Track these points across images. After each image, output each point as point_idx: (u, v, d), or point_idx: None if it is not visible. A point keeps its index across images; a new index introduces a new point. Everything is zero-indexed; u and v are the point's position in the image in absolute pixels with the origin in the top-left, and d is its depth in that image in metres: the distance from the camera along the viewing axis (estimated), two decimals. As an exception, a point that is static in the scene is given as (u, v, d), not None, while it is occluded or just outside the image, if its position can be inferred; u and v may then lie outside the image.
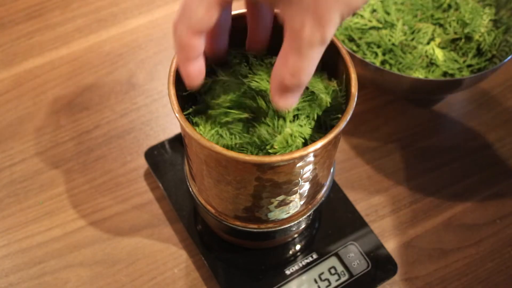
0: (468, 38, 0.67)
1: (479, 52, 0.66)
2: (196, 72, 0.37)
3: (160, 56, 0.74)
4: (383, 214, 0.62)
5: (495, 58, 0.64)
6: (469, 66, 0.65)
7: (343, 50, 0.43)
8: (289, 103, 0.36)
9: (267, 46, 0.44)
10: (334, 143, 0.43)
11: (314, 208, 0.51)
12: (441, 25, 0.67)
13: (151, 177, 0.63)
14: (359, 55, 0.63)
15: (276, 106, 0.36)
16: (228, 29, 0.41)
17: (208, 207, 0.50)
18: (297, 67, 0.34)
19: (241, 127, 0.42)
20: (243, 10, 0.43)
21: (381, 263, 0.56)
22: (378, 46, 0.65)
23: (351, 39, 0.67)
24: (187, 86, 0.39)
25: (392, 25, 0.66)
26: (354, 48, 0.66)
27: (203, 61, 0.37)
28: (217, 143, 0.41)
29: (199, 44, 0.35)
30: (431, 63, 0.65)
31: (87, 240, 0.59)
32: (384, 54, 0.65)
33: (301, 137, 0.41)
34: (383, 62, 0.65)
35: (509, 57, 0.60)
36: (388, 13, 0.67)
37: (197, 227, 0.58)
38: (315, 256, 0.57)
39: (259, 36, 0.43)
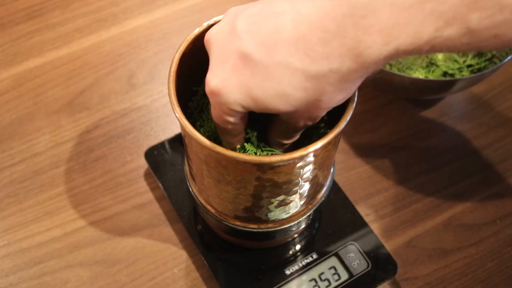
0: None
1: (479, 52, 0.66)
2: (237, 143, 0.43)
3: (160, 56, 0.74)
4: (383, 214, 0.62)
5: (495, 58, 0.64)
6: (469, 66, 0.65)
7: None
8: (289, 146, 0.44)
9: None
10: (334, 143, 0.43)
11: (314, 208, 0.51)
12: None
13: (151, 177, 0.63)
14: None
15: (276, 151, 0.45)
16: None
17: (208, 207, 0.50)
18: (288, 137, 0.42)
19: None
20: None
21: (381, 263, 0.56)
22: None
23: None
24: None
25: None
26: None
27: (242, 136, 0.43)
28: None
29: (237, 141, 0.42)
30: (431, 63, 0.65)
31: (87, 240, 0.59)
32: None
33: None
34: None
35: (509, 57, 0.60)
36: None
37: (197, 227, 0.58)
38: (315, 256, 0.57)
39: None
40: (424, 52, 0.32)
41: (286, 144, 0.44)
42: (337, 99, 0.36)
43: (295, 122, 0.39)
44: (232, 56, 0.36)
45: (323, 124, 0.46)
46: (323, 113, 0.38)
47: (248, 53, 0.35)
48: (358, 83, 0.36)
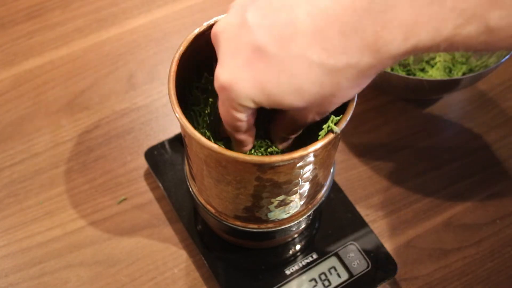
0: None
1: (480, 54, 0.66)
2: (245, 150, 0.43)
3: (160, 56, 0.74)
4: (383, 214, 0.62)
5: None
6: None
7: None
8: (287, 145, 0.44)
9: None
10: (334, 143, 0.43)
11: (314, 208, 0.51)
12: None
13: (151, 177, 0.63)
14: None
15: (278, 148, 0.44)
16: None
17: (208, 207, 0.50)
18: (293, 132, 0.42)
19: None
20: None
21: (381, 263, 0.56)
22: None
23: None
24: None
25: None
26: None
27: (252, 143, 0.43)
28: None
29: (245, 138, 0.41)
30: (431, 63, 0.65)
31: (87, 240, 0.59)
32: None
33: None
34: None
35: (507, 56, 0.60)
36: None
37: (197, 227, 0.58)
38: (315, 256, 0.57)
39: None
40: (441, 49, 0.31)
41: (290, 138, 0.43)
42: (350, 94, 0.36)
43: (304, 117, 0.38)
44: (244, 50, 0.34)
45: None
46: (333, 108, 0.37)
47: (262, 46, 0.33)
48: (372, 78, 0.35)
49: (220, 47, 0.36)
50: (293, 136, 0.43)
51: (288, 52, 0.33)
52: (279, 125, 0.42)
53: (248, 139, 0.41)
